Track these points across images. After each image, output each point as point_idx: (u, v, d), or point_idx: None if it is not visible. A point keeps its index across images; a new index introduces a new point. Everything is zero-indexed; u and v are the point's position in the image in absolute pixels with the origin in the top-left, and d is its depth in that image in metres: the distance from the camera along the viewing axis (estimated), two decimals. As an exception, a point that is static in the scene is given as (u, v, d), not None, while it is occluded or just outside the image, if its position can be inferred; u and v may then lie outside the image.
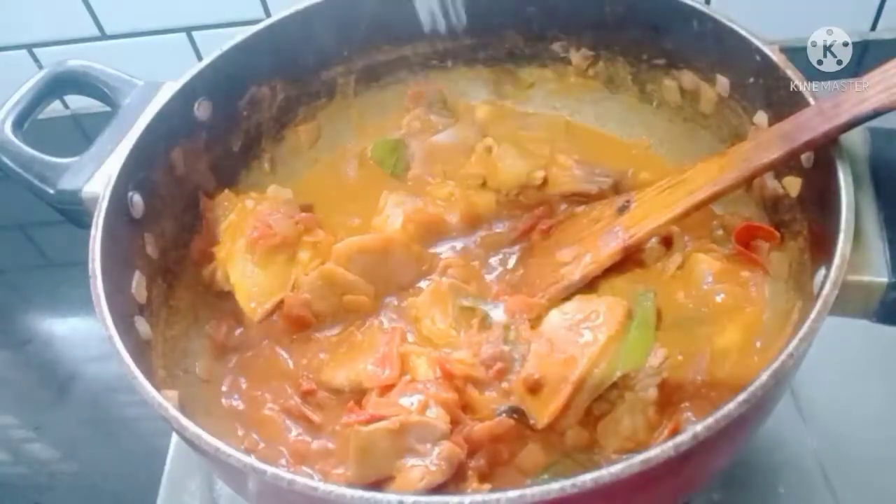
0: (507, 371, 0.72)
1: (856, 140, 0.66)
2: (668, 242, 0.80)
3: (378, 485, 0.65)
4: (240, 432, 0.74)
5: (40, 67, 0.93)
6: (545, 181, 0.88)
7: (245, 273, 0.79)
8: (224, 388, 0.78)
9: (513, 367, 0.72)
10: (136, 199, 0.75)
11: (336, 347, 0.78)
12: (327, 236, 0.82)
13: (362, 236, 0.81)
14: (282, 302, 0.79)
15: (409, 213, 0.85)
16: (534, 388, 0.68)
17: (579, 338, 0.70)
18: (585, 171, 0.88)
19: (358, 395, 0.72)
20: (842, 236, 0.59)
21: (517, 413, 0.70)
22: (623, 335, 0.70)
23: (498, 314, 0.78)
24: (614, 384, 0.69)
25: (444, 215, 0.87)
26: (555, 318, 0.73)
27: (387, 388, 0.70)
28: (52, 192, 0.77)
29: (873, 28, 1.27)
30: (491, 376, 0.72)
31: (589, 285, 0.78)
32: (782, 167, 0.73)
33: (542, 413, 0.68)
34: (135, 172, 0.75)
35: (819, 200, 0.67)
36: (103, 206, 0.70)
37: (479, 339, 0.75)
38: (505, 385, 0.72)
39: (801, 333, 0.55)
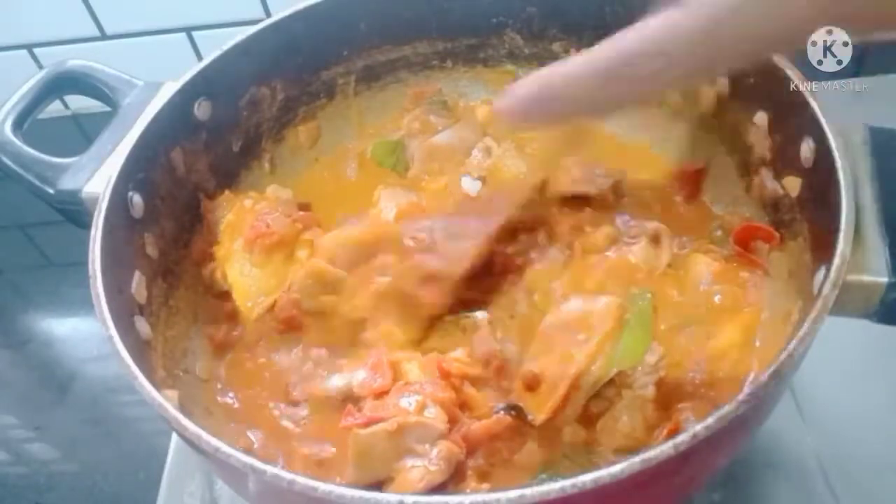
0: (505, 368, 0.72)
1: (856, 140, 0.66)
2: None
3: (377, 486, 0.65)
4: (236, 432, 0.74)
5: (40, 67, 0.93)
6: (545, 181, 0.88)
7: (243, 272, 0.79)
8: (219, 386, 0.78)
9: (510, 365, 0.72)
10: (136, 199, 0.75)
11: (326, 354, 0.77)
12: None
13: (346, 228, 0.80)
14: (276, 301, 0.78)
15: (403, 207, 0.85)
16: (531, 384, 0.68)
17: (576, 335, 0.70)
18: (585, 171, 0.88)
19: (351, 402, 0.71)
20: (842, 236, 0.59)
21: (515, 410, 0.69)
22: (619, 332, 0.70)
23: (480, 314, 0.77)
24: (612, 382, 0.68)
25: (439, 210, 0.86)
26: (551, 316, 0.73)
27: (380, 395, 0.69)
28: (52, 192, 0.77)
29: (873, 28, 1.27)
30: (490, 374, 0.72)
31: (582, 287, 0.77)
32: None
33: (540, 409, 0.68)
34: (135, 172, 0.75)
35: (819, 200, 0.67)
36: (103, 206, 0.70)
37: (469, 339, 0.75)
38: (504, 383, 0.72)
39: (800, 333, 0.55)
